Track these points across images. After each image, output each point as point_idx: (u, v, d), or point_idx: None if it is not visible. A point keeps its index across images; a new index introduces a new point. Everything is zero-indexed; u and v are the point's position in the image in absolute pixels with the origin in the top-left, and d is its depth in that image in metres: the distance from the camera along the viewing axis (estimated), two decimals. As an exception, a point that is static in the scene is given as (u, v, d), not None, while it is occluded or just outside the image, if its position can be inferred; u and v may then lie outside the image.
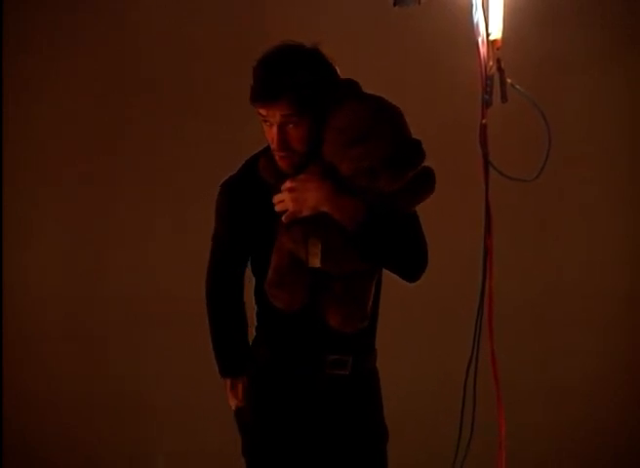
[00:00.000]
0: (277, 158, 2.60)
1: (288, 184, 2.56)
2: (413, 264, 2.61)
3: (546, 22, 4.16)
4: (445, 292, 4.05)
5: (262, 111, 2.56)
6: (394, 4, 3.20)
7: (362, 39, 4.24)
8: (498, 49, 2.98)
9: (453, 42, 3.79)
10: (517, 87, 2.94)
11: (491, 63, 2.97)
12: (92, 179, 4.34)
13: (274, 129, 2.56)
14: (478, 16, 2.98)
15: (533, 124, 2.93)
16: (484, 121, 2.94)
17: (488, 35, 2.99)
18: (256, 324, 2.82)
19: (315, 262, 2.56)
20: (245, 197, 2.67)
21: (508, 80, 2.95)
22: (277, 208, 2.57)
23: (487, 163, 2.95)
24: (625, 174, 4.41)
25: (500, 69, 2.95)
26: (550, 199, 4.36)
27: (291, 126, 2.55)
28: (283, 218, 2.56)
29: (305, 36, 4.25)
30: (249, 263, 2.79)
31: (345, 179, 2.56)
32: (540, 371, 4.40)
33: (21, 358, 4.37)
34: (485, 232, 2.99)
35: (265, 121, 2.58)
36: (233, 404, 2.88)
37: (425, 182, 2.63)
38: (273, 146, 2.58)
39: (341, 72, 4.34)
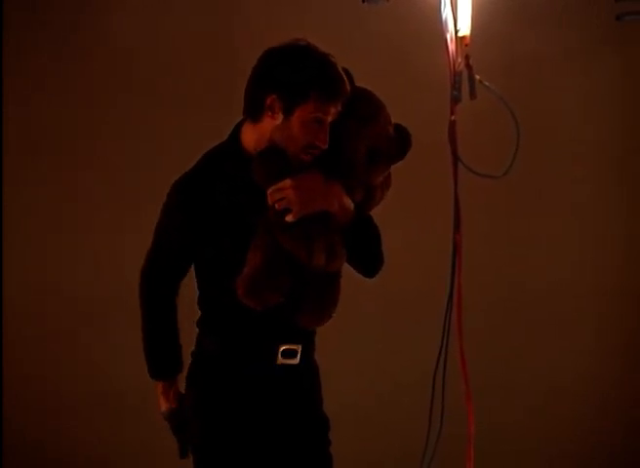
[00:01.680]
0: (303, 155, 2.55)
1: (291, 183, 2.53)
2: (378, 260, 2.71)
3: (515, 19, 4.18)
4: (416, 288, 4.06)
5: (331, 109, 2.53)
6: (363, 1, 3.21)
7: (330, 36, 4.21)
8: (466, 45, 2.99)
9: (421, 38, 3.79)
10: (486, 83, 2.95)
11: (459, 60, 2.98)
12: (91, 179, 4.33)
13: (324, 126, 2.53)
14: (447, 12, 2.98)
15: (503, 121, 2.94)
16: (453, 117, 2.95)
17: (456, 32, 3.00)
18: (200, 316, 2.77)
19: (320, 261, 2.54)
20: (208, 196, 2.61)
21: (477, 76, 2.95)
22: (277, 206, 2.53)
23: (456, 159, 2.96)
24: (614, 172, 4.43)
25: (468, 66, 2.95)
26: (538, 197, 4.38)
27: (329, 122, 2.55)
28: (289, 217, 2.52)
29: (272, 34, 4.28)
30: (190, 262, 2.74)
31: (342, 174, 2.56)
32: (528, 371, 4.41)
33: (22, 358, 4.35)
34: (454, 228, 3.00)
35: (318, 120, 2.53)
36: (165, 407, 2.85)
37: (388, 178, 2.68)
38: (317, 143, 2.53)
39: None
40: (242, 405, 2.68)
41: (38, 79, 4.30)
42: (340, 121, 2.57)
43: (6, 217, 4.32)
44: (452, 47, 2.99)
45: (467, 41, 3.00)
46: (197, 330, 2.79)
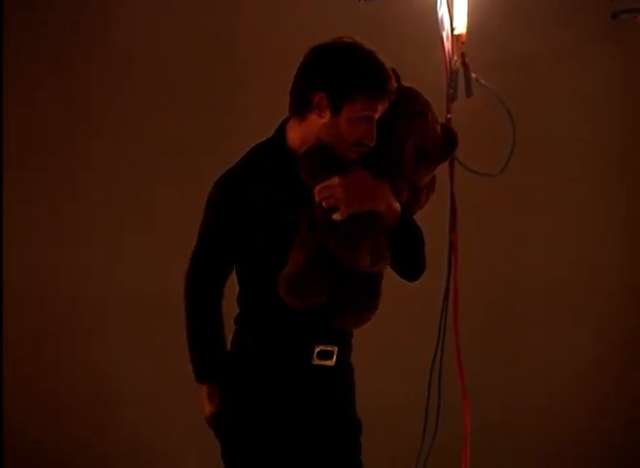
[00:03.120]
0: (351, 151, 2.55)
1: (340, 181, 2.52)
2: (421, 264, 2.71)
3: (511, 17, 4.18)
4: (411, 287, 4.06)
5: (380, 106, 2.53)
6: (359, -1, 3.21)
7: (327, 34, 4.22)
8: (462, 43, 2.99)
9: (417, 37, 3.79)
10: (482, 81, 2.95)
11: (455, 58, 2.98)
12: (91, 178, 4.34)
13: (372, 124, 2.53)
14: (443, 10, 2.98)
15: (499, 119, 2.94)
16: (449, 115, 2.95)
17: (452, 30, 3.00)
18: (239, 313, 2.75)
19: (365, 262, 2.53)
20: (250, 193, 2.59)
21: (473, 74, 2.95)
22: (325, 204, 2.52)
23: (452, 157, 2.96)
24: (611, 170, 4.45)
25: (464, 64, 2.95)
26: (535, 196, 4.39)
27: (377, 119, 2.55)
28: (336, 215, 2.51)
29: (272, 33, 4.29)
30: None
31: (389, 173, 2.56)
32: (525, 370, 4.43)
33: (22, 358, 4.35)
34: (450, 227, 3.01)
35: (366, 117, 2.53)
36: (209, 410, 2.80)
37: (433, 181, 2.69)
38: (365, 141, 2.53)
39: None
40: (276, 404, 2.66)
41: (38, 79, 4.31)
42: (386, 119, 2.56)
43: (6, 218, 4.32)
44: (448, 45, 2.99)
45: (463, 39, 3.00)
46: (234, 327, 2.76)
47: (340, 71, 2.51)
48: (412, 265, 2.69)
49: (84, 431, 4.37)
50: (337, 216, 2.51)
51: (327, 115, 2.53)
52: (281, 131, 2.66)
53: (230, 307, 2.76)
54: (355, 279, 2.57)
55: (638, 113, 4.43)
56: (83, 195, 4.33)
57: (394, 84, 2.56)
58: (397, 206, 2.58)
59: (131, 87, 4.30)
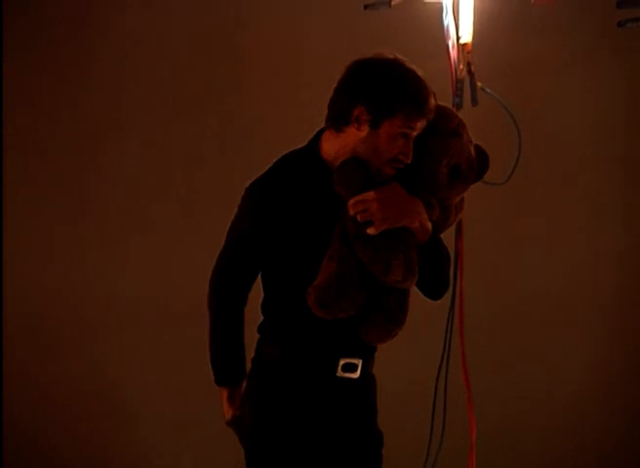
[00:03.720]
0: (388, 168, 2.56)
1: (375, 195, 2.52)
2: (445, 283, 2.74)
3: (517, 26, 4.19)
4: (416, 292, 4.07)
5: (419, 124, 2.54)
6: (365, 7, 3.22)
7: (332, 42, 4.25)
8: (468, 52, 3.00)
9: (423, 45, 3.80)
10: (488, 90, 2.96)
11: (461, 67, 2.99)
12: (91, 179, 4.35)
13: (410, 141, 2.54)
14: (448, 19, 2.99)
15: (505, 127, 2.94)
16: (455, 124, 2.95)
17: (458, 39, 3.01)
18: (263, 321, 2.73)
19: (397, 277, 2.53)
20: (281, 201, 2.59)
21: (479, 83, 2.96)
22: (359, 217, 2.52)
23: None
24: (607, 176, 4.44)
25: (470, 73, 2.96)
26: (541, 203, 4.39)
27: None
28: (371, 230, 2.51)
29: (278, 42, 4.30)
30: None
31: (422, 190, 2.57)
32: (531, 376, 4.43)
33: (22, 358, 4.36)
34: (456, 235, 3.01)
35: (404, 134, 2.54)
36: (230, 414, 2.77)
37: (462, 201, 2.72)
38: (402, 157, 2.54)
39: (313, 76, 4.36)
40: (299, 414, 2.65)
41: (37, 91, 4.32)
42: (422, 136, 2.57)
43: (6, 217, 4.33)
44: (453, 54, 3.00)
45: (469, 48, 3.01)
46: (258, 335, 2.75)
47: (383, 87, 2.52)
48: (437, 283, 2.70)
49: (84, 431, 4.38)
50: (371, 231, 2.52)
51: (366, 129, 2.54)
52: (316, 141, 2.66)
53: (253, 314, 2.76)
54: (385, 293, 2.58)
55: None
56: (84, 204, 4.36)
57: (434, 103, 2.57)
58: (429, 223, 2.59)
59: (132, 88, 4.33)
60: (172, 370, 4.33)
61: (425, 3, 3.13)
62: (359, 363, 2.68)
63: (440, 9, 3.03)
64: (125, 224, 4.35)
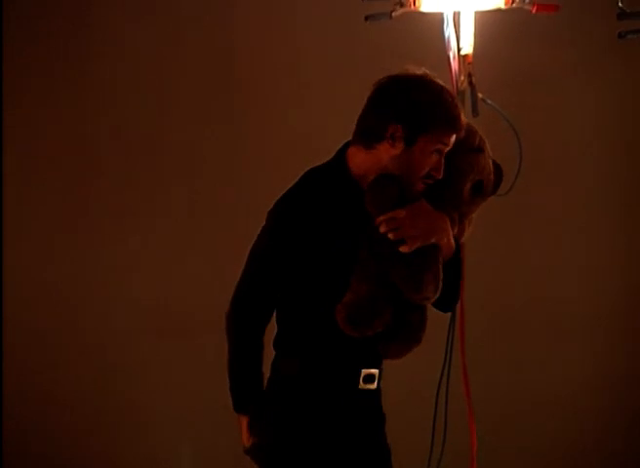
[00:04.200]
0: (419, 185, 2.56)
1: (406, 213, 2.52)
2: (458, 296, 2.77)
3: (518, 37, 4.20)
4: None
5: (450, 140, 2.55)
6: (366, 19, 3.22)
7: (333, 53, 4.27)
8: (469, 64, 3.01)
9: (424, 57, 3.80)
10: (489, 101, 2.96)
11: (462, 78, 3.00)
12: (94, 182, 4.37)
13: (441, 157, 2.55)
14: (449, 31, 3.00)
15: (506, 138, 2.95)
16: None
17: (459, 50, 3.02)
18: (278, 336, 2.68)
19: (428, 294, 2.54)
20: (312, 217, 2.56)
21: (480, 94, 2.97)
22: (392, 236, 2.51)
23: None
24: (608, 185, 4.45)
25: (471, 84, 2.97)
26: (542, 212, 4.40)
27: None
28: (404, 248, 2.51)
29: (278, 53, 4.32)
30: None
31: (446, 206, 2.58)
32: (532, 383, 4.43)
33: (22, 358, 4.36)
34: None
35: (439, 151, 2.54)
36: (249, 442, 2.70)
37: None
38: (434, 173, 2.55)
39: (314, 88, 4.38)
40: (323, 429, 2.62)
41: (39, 87, 4.35)
42: (448, 152, 2.58)
43: (6, 218, 4.34)
44: (454, 65, 3.01)
45: (470, 59, 3.02)
46: (274, 352, 2.70)
47: (418, 104, 2.52)
48: (452, 297, 2.71)
49: (84, 431, 4.39)
50: (404, 249, 2.51)
51: (400, 146, 2.53)
52: (342, 157, 2.64)
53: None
54: (408, 310, 2.58)
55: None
56: (85, 205, 4.37)
57: (465, 119, 2.59)
58: (453, 239, 2.61)
59: (132, 91, 4.35)
60: (172, 371, 4.34)
61: (426, 14, 3.14)
62: (376, 373, 2.67)
63: (441, 20, 3.04)
64: (125, 225, 4.37)
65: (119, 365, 4.35)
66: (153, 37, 4.31)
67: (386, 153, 2.54)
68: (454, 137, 2.55)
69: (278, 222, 2.59)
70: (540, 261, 4.43)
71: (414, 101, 2.52)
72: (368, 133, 2.57)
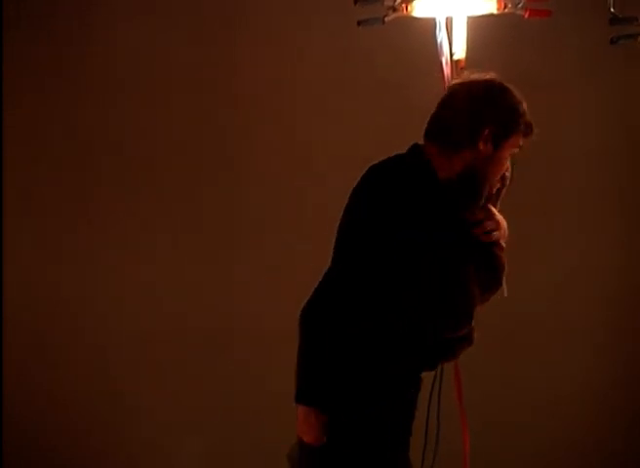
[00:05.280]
0: (493, 188, 2.65)
1: (494, 215, 2.66)
2: None
3: (510, 42, 4.20)
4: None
5: (523, 142, 2.65)
6: (358, 24, 3.23)
7: (325, 58, 4.27)
8: (461, 69, 3.01)
9: (417, 61, 3.82)
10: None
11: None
12: (95, 182, 4.36)
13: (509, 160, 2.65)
14: (442, 36, 3.01)
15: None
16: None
17: (452, 55, 3.02)
18: (352, 340, 2.62)
19: (505, 291, 2.68)
20: (400, 220, 2.55)
21: (472, 99, 2.96)
22: (485, 238, 2.65)
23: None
24: (601, 190, 4.47)
25: (463, 88, 2.96)
26: (539, 214, 4.41)
27: None
28: (499, 249, 2.66)
29: (271, 59, 4.32)
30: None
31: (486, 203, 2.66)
32: (525, 385, 4.42)
33: (22, 358, 4.35)
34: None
35: (512, 154, 2.64)
36: (310, 439, 2.62)
37: None
38: (507, 174, 2.66)
39: (306, 91, 4.36)
40: (394, 429, 2.64)
41: (39, 87, 4.34)
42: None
43: (6, 217, 4.33)
44: (447, 70, 3.02)
45: (462, 64, 3.03)
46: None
47: (509, 109, 2.61)
48: None
49: (84, 431, 4.38)
50: (499, 250, 2.66)
51: (490, 149, 2.60)
52: (421, 157, 2.63)
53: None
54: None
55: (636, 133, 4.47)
56: (85, 205, 4.36)
57: None
58: None
59: (132, 94, 4.34)
60: (171, 372, 4.34)
61: (419, 19, 3.14)
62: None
63: (433, 25, 3.04)
64: (126, 226, 4.35)
65: (119, 365, 4.34)
66: (153, 37, 4.31)
67: (472, 155, 2.60)
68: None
69: (368, 223, 2.54)
70: (539, 261, 4.43)
71: (506, 106, 2.62)
72: (457, 135, 2.61)
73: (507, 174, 2.64)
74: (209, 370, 4.31)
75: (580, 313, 4.45)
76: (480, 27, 3.17)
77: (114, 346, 4.35)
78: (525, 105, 2.65)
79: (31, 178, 4.35)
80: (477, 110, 2.60)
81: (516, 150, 2.64)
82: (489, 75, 2.67)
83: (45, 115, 4.33)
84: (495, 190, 2.65)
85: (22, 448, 4.36)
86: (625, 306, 4.48)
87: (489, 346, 4.26)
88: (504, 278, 2.68)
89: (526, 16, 3.11)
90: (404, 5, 3.09)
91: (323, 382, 2.60)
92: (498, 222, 2.67)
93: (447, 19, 3.05)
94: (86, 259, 4.36)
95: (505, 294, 2.69)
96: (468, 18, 3.05)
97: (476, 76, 2.66)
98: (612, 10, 3.16)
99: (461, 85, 2.64)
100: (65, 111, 4.34)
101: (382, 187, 2.59)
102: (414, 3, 3.08)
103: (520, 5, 3.10)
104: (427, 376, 2.88)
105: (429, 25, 3.06)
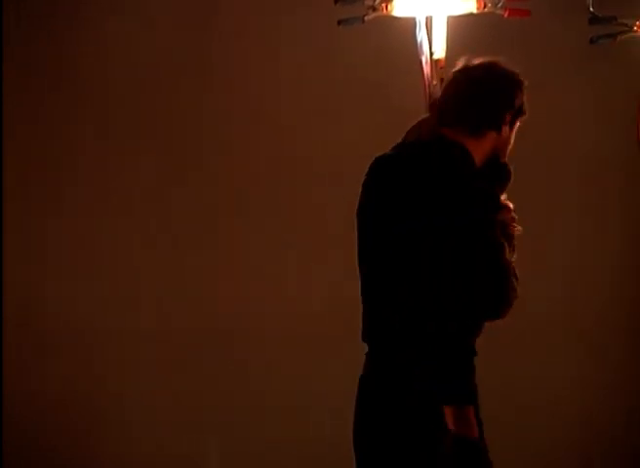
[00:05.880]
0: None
1: (510, 205, 2.68)
2: None
3: (489, 42, 4.20)
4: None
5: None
6: (338, 23, 3.23)
7: (305, 57, 4.27)
8: (441, 68, 3.01)
9: (397, 61, 3.82)
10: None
11: (435, 82, 3.00)
12: (95, 182, 4.36)
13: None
14: (422, 35, 3.01)
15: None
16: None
17: (432, 54, 3.02)
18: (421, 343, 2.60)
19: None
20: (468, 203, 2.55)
21: (452, 99, 2.96)
22: (512, 226, 2.67)
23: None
24: (596, 187, 4.49)
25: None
26: (530, 215, 4.40)
27: None
28: (519, 229, 2.67)
29: (251, 58, 4.32)
30: None
31: None
32: (523, 382, 4.43)
33: (22, 358, 4.35)
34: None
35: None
36: (475, 433, 2.61)
37: None
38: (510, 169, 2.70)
39: (287, 91, 4.36)
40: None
41: (40, 78, 4.34)
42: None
43: (6, 217, 4.32)
44: (427, 69, 3.02)
45: (442, 64, 3.03)
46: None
47: (522, 90, 2.70)
48: None
49: (84, 431, 4.39)
50: (519, 231, 2.68)
51: (507, 131, 2.66)
52: (454, 143, 2.60)
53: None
54: None
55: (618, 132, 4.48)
56: (85, 205, 4.36)
57: None
58: None
59: (130, 91, 4.34)
60: (172, 372, 4.35)
61: (399, 19, 3.14)
62: None
63: (413, 24, 3.04)
64: (126, 225, 4.35)
65: (119, 365, 4.34)
66: (153, 37, 4.31)
67: (494, 138, 2.64)
68: None
69: (475, 204, 2.54)
70: (539, 261, 4.43)
71: (520, 88, 2.70)
72: (483, 119, 2.62)
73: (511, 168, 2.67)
74: (209, 371, 4.32)
75: (579, 313, 4.47)
76: (460, 27, 3.17)
77: (115, 346, 4.35)
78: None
79: (31, 178, 4.34)
80: (502, 94, 2.66)
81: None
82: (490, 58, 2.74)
83: (45, 115, 4.33)
84: None
85: (22, 448, 4.35)
86: (625, 306, 4.50)
87: (489, 346, 4.29)
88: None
89: (505, 15, 3.12)
90: (384, 4, 3.09)
91: (467, 379, 2.62)
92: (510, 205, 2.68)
93: (427, 18, 3.05)
94: (86, 259, 4.36)
95: None
96: (448, 17, 3.05)
97: (485, 58, 2.73)
98: (591, 9, 3.17)
99: (479, 67, 2.69)
100: (65, 111, 4.33)
101: (434, 178, 2.53)
102: (394, 2, 3.09)
103: (500, 4, 3.10)
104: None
105: (409, 25, 3.06)
